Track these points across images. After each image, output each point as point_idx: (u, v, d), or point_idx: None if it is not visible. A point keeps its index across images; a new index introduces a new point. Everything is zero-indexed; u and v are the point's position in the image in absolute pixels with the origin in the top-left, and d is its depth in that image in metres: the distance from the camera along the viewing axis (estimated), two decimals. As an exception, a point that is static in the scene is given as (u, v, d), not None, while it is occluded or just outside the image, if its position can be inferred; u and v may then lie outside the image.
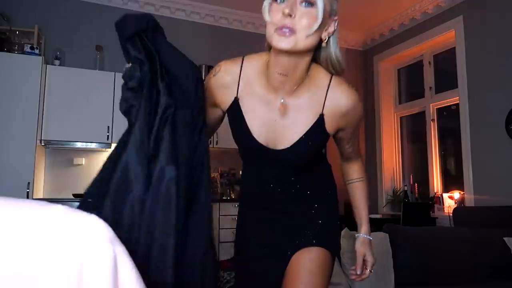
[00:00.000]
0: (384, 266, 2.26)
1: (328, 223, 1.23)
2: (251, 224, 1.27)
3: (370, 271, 1.26)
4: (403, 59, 5.17)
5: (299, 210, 1.22)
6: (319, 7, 0.95)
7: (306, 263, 1.15)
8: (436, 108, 4.72)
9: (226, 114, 1.16)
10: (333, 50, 1.07)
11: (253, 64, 1.11)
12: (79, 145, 4.02)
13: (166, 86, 0.76)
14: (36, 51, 3.73)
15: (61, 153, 4.16)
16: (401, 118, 5.30)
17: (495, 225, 2.75)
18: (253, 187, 1.27)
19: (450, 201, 4.23)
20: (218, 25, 4.93)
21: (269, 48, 1.06)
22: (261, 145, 1.11)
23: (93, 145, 4.05)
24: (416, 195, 4.64)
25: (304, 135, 1.09)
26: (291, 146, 1.10)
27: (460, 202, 4.09)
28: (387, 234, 2.38)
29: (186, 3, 4.70)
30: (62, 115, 3.86)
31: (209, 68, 4.55)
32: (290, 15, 0.94)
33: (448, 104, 4.56)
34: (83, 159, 4.22)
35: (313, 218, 1.21)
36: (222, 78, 1.12)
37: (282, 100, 1.08)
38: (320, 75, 1.09)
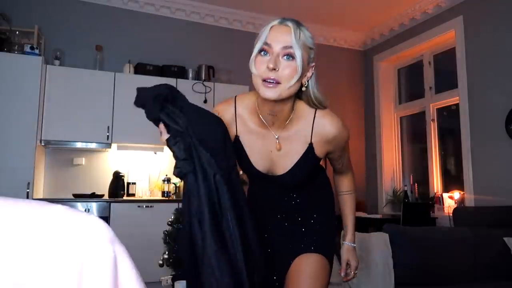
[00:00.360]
0: (384, 266, 2.26)
1: (325, 232, 1.36)
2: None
3: (355, 273, 1.43)
4: (403, 59, 5.17)
5: (299, 220, 1.35)
6: (298, 60, 1.08)
7: (305, 269, 1.26)
8: (436, 108, 4.72)
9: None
10: (312, 90, 1.20)
11: (245, 104, 1.26)
12: (79, 145, 4.02)
13: (208, 157, 0.93)
14: (36, 51, 3.73)
15: (61, 153, 4.16)
16: (401, 118, 5.30)
17: (495, 225, 2.75)
18: (259, 198, 1.41)
19: (450, 201, 4.23)
20: (218, 25, 4.93)
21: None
22: (261, 173, 1.28)
23: (93, 145, 4.05)
24: (416, 195, 4.64)
25: (297, 162, 1.25)
26: (287, 172, 1.26)
27: (460, 202, 4.09)
28: (387, 234, 2.38)
29: (186, 3, 4.70)
30: (62, 115, 3.86)
31: (209, 68, 4.55)
32: (274, 69, 1.07)
33: (448, 104, 4.56)
34: (83, 159, 4.22)
35: (312, 227, 1.35)
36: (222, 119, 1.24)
37: (277, 137, 1.24)
38: (305, 110, 1.23)
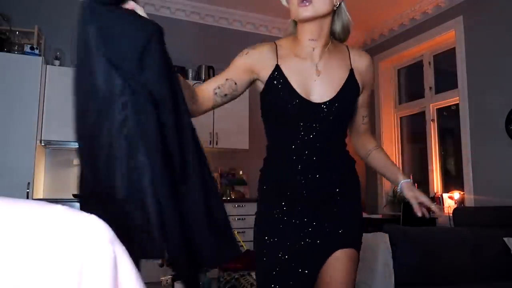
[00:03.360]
0: (384, 266, 2.26)
1: (358, 222, 1.30)
2: (280, 222, 1.25)
3: (434, 205, 1.26)
4: (403, 59, 5.17)
5: (327, 205, 1.25)
6: None
7: (341, 266, 1.21)
8: (436, 108, 4.72)
9: (265, 83, 1.25)
10: (344, 15, 1.28)
11: (284, 42, 1.30)
12: (79, 145, 4.01)
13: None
14: (36, 51, 3.73)
15: (61, 153, 4.16)
16: (401, 118, 5.30)
17: (495, 225, 2.75)
18: (279, 176, 1.27)
19: (450, 201, 4.23)
20: (218, 25, 4.93)
21: (292, 33, 1.31)
22: (304, 99, 1.21)
23: (93, 145, 4.05)
24: (416, 195, 4.63)
25: (342, 87, 1.25)
26: (333, 98, 1.23)
27: (460, 202, 4.09)
28: (387, 234, 2.38)
29: (186, 3, 4.70)
30: (62, 115, 3.86)
31: (209, 68, 4.55)
32: None
33: (448, 104, 4.56)
34: (83, 159, 4.22)
35: (342, 216, 1.25)
36: (260, 48, 1.26)
37: (316, 64, 1.25)
38: (339, 43, 1.32)
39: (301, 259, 1.21)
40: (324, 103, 1.22)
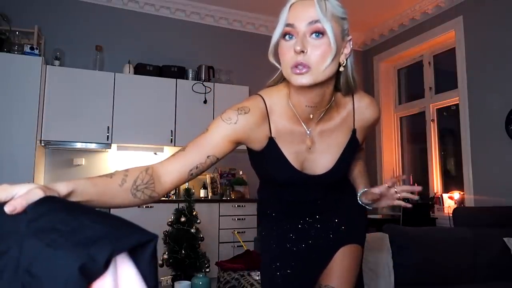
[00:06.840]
0: (384, 266, 2.26)
1: (360, 219, 1.30)
2: (283, 233, 1.25)
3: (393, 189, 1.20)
4: (403, 60, 5.18)
5: (329, 213, 1.25)
6: (330, 35, 0.92)
7: (345, 262, 1.21)
8: (436, 109, 4.72)
9: (256, 152, 1.11)
10: (350, 71, 1.05)
11: (275, 100, 1.08)
12: (79, 145, 4.01)
13: None
14: (36, 51, 3.72)
15: (61, 153, 4.16)
16: (401, 118, 5.30)
17: (495, 225, 2.75)
18: (279, 209, 1.27)
19: (450, 201, 4.23)
20: (218, 25, 4.93)
21: (283, 79, 1.06)
22: (303, 174, 1.12)
23: (93, 146, 4.05)
24: (416, 195, 4.63)
25: (342, 153, 1.13)
26: (332, 168, 1.13)
27: (460, 202, 4.09)
28: (387, 234, 2.38)
29: (186, 3, 4.70)
30: (62, 115, 3.87)
31: (209, 68, 4.54)
32: (302, 52, 0.92)
33: (448, 104, 4.56)
34: (83, 159, 4.22)
35: (344, 213, 1.26)
36: (250, 117, 1.04)
37: (309, 131, 1.10)
38: (342, 97, 1.12)
39: (304, 262, 1.21)
40: (324, 173, 1.13)
